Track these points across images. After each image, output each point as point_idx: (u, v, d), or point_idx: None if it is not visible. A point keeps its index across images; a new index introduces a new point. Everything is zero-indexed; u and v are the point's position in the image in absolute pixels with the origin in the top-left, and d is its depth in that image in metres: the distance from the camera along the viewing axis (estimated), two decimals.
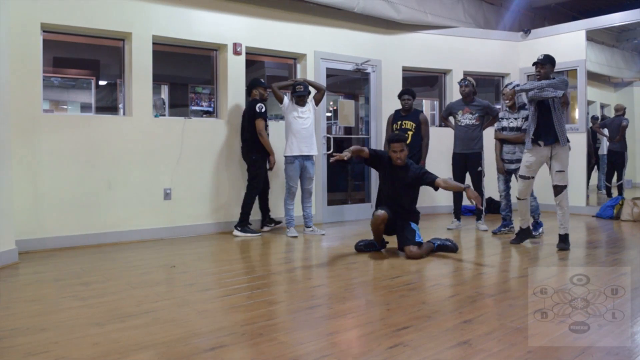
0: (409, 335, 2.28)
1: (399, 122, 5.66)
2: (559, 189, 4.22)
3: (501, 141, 5.15)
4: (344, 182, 6.84)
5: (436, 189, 4.10)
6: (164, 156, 4.96)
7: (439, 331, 2.35)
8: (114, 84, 5.33)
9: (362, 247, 4.23)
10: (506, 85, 5.17)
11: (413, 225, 4.15)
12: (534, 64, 4.26)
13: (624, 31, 7.25)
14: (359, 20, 6.22)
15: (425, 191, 6.59)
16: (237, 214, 5.34)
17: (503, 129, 5.13)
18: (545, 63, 4.20)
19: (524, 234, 4.56)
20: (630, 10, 6.28)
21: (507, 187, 5.21)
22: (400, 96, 5.69)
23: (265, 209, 5.44)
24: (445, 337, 2.28)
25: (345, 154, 3.82)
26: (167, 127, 5.02)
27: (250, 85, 5.21)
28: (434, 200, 6.59)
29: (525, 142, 4.42)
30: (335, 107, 6.98)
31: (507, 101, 5.09)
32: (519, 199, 4.43)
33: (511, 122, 5.08)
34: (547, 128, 4.19)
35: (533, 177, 4.37)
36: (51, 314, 2.61)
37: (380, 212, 4.06)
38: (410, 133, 5.58)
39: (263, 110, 5.00)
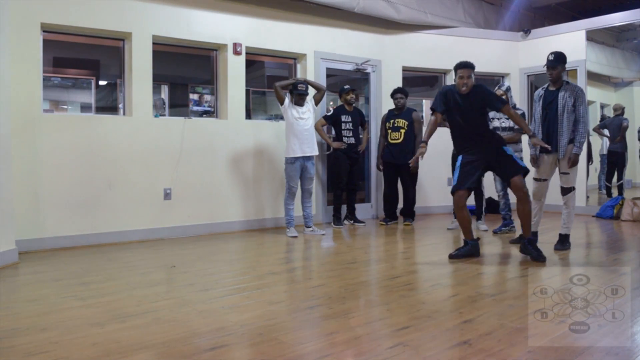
0: (409, 335, 2.28)
1: (392, 121, 5.74)
2: (564, 190, 4.20)
3: None
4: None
5: (502, 108, 3.99)
6: (164, 156, 4.96)
7: (439, 331, 2.35)
8: (114, 84, 5.32)
9: (459, 255, 3.96)
10: (499, 87, 5.14)
11: (507, 149, 3.96)
12: (545, 66, 4.21)
13: (624, 31, 7.25)
14: (359, 20, 6.22)
15: (424, 191, 6.63)
16: (237, 214, 5.39)
17: (495, 129, 5.12)
18: (557, 65, 4.14)
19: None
20: (630, 10, 6.28)
21: (504, 187, 5.20)
22: (392, 95, 5.83)
23: (349, 204, 5.88)
24: (445, 337, 2.28)
25: (422, 152, 3.95)
26: (167, 127, 5.02)
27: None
28: (432, 200, 6.60)
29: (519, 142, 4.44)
30: (335, 107, 6.98)
31: None
32: (534, 199, 4.39)
33: (503, 122, 5.08)
34: (549, 136, 4.18)
35: (546, 180, 4.32)
36: (51, 314, 2.61)
37: (460, 191, 3.89)
38: (402, 131, 5.69)
39: (327, 114, 5.84)
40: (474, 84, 3.95)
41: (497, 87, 5.17)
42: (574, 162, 4.10)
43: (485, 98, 3.97)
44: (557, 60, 4.16)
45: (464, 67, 3.93)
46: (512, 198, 5.32)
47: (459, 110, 3.97)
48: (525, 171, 3.92)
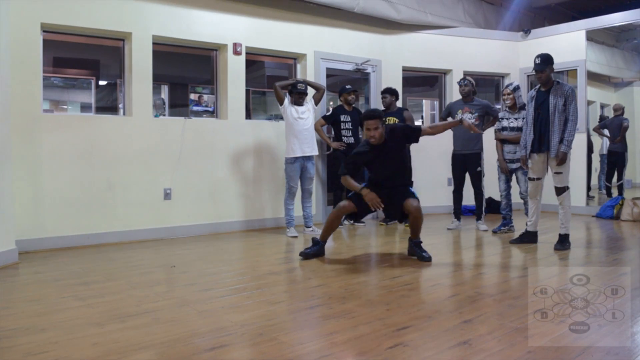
0: (409, 335, 2.28)
1: (384, 120, 5.74)
2: (558, 190, 4.24)
3: (502, 141, 5.16)
4: None
5: (422, 134, 3.93)
6: (164, 156, 4.96)
7: (439, 331, 2.35)
8: (114, 84, 5.32)
9: (310, 254, 3.99)
10: (507, 86, 5.17)
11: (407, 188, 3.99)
12: (533, 70, 4.26)
13: (624, 31, 7.26)
14: (359, 20, 6.21)
15: (423, 191, 6.62)
16: (237, 214, 5.40)
17: (503, 129, 5.14)
18: (544, 68, 4.16)
19: (527, 236, 4.55)
20: (630, 10, 6.28)
21: (508, 187, 5.23)
22: (381, 94, 5.86)
23: None
24: (445, 337, 2.28)
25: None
26: (167, 127, 5.02)
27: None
28: (432, 200, 6.59)
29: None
30: (334, 107, 6.98)
31: (508, 101, 5.09)
32: (529, 199, 4.49)
33: (511, 122, 5.08)
34: (541, 136, 4.24)
35: (539, 179, 4.37)
36: (51, 314, 2.61)
37: (345, 202, 3.95)
38: None
39: (326, 114, 5.83)
40: (384, 132, 3.82)
41: (505, 86, 5.20)
42: (561, 160, 4.15)
43: (402, 137, 3.89)
44: (544, 62, 4.17)
45: (370, 117, 3.77)
46: (514, 198, 5.36)
47: (376, 161, 3.89)
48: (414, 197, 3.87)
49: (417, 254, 3.98)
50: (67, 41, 4.89)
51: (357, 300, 2.89)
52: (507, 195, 5.24)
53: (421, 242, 4.02)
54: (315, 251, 4.02)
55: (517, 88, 5.11)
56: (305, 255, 3.98)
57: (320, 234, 4.10)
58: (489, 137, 5.51)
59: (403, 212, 3.94)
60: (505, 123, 5.13)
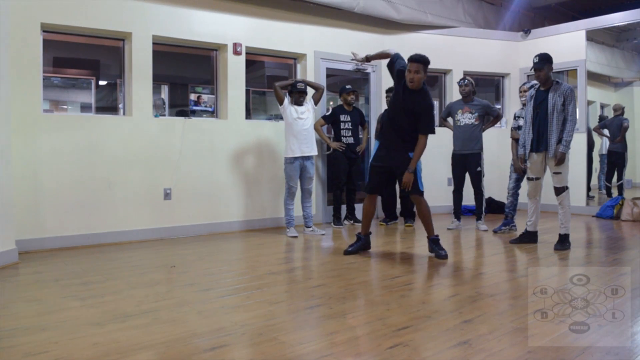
0: (409, 335, 2.28)
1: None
2: (558, 190, 4.24)
3: (517, 140, 5.15)
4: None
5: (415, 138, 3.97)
6: (164, 156, 4.96)
7: (439, 331, 2.35)
8: (114, 84, 5.32)
9: (352, 250, 4.12)
10: (524, 84, 5.17)
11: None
12: (532, 68, 4.27)
13: (624, 31, 7.26)
14: (359, 20, 6.21)
15: (425, 191, 6.61)
16: (237, 214, 5.41)
17: (519, 127, 5.13)
18: (543, 67, 4.17)
19: (527, 236, 4.55)
20: (630, 10, 6.28)
21: (517, 186, 5.21)
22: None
23: (349, 204, 5.92)
24: (445, 337, 2.28)
25: (365, 57, 4.06)
26: (167, 127, 5.02)
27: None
28: (432, 200, 6.58)
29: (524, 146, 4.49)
30: (334, 107, 6.97)
31: (524, 99, 5.08)
32: (529, 199, 4.49)
33: None
34: (539, 136, 4.25)
35: (538, 178, 4.38)
36: (51, 314, 2.61)
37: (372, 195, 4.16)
38: None
39: (326, 114, 5.74)
40: (423, 84, 3.85)
41: (522, 84, 5.21)
42: (560, 160, 4.16)
43: (426, 103, 3.89)
44: (542, 61, 4.18)
45: (415, 60, 3.77)
46: (521, 198, 5.34)
47: (397, 103, 3.93)
48: (420, 193, 4.11)
49: (434, 251, 4.04)
50: (67, 41, 4.89)
51: (357, 300, 2.89)
52: (515, 194, 5.23)
53: (438, 238, 4.08)
54: (358, 246, 4.14)
55: (534, 86, 5.11)
56: (350, 252, 4.09)
57: (362, 227, 4.22)
58: (489, 137, 5.51)
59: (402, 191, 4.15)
60: (521, 122, 5.12)
